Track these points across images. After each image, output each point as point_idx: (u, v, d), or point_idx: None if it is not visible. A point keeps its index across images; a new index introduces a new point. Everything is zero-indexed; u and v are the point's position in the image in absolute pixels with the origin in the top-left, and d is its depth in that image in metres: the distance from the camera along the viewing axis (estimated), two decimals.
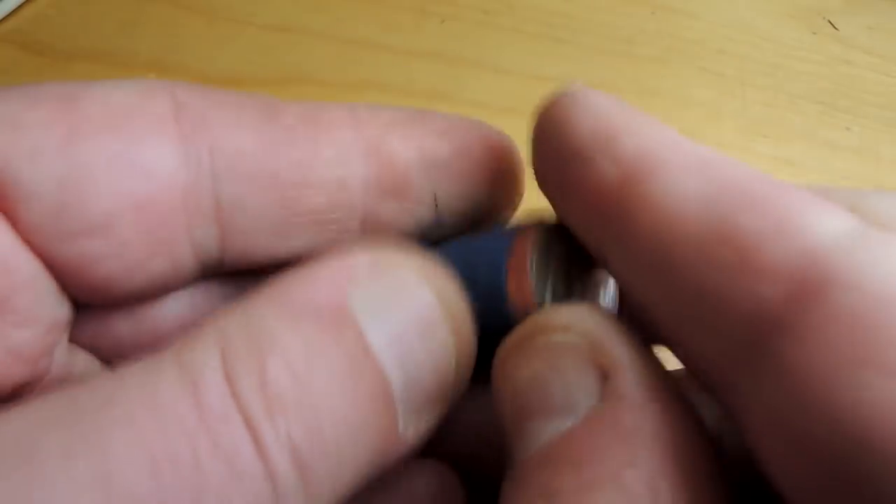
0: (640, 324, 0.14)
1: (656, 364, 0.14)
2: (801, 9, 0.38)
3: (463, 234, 0.20)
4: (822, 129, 0.35)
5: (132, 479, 0.11)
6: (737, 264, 0.12)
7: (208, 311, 0.19)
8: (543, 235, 0.18)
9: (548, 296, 0.16)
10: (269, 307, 0.13)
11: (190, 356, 0.13)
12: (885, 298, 0.10)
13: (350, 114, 0.18)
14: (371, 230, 0.18)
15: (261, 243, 0.17)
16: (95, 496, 0.11)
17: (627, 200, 0.13)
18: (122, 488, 0.11)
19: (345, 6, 0.36)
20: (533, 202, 0.29)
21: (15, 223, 0.15)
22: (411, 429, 0.14)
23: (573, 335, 0.14)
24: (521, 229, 0.18)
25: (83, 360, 0.18)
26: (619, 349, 0.13)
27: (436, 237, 0.19)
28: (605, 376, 0.13)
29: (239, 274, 0.19)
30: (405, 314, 0.14)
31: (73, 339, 0.18)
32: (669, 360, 0.15)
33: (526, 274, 0.16)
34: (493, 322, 0.17)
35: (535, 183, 0.20)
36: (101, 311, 0.18)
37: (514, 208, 0.21)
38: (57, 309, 0.16)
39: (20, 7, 0.34)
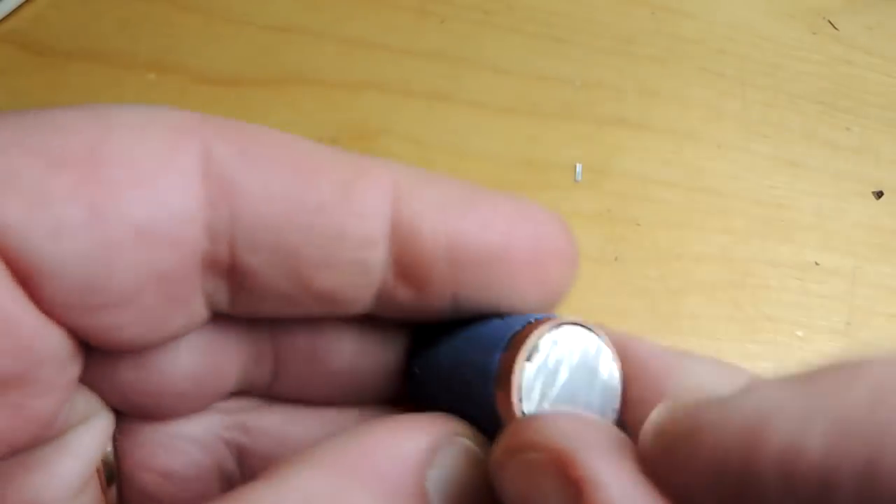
0: None
1: (632, 472, 0.13)
2: (801, 9, 0.38)
3: (474, 319, 0.18)
4: (822, 129, 0.35)
5: None
6: None
7: (212, 351, 0.20)
8: (548, 341, 0.16)
9: (537, 404, 0.16)
10: (355, 488, 0.14)
11: None
12: None
13: (392, 186, 0.17)
14: (383, 307, 0.18)
15: (271, 305, 0.17)
16: None
17: None
18: None
19: (345, 6, 0.36)
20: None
21: (38, 299, 0.15)
22: None
23: (542, 452, 0.14)
24: (520, 334, 0.17)
25: (84, 400, 0.18)
26: (586, 462, 0.13)
27: (445, 318, 0.18)
28: (579, 490, 0.13)
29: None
30: (472, 495, 0.16)
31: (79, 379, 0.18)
32: None
33: (510, 395, 0.16)
34: (490, 416, 0.17)
35: None
36: (107, 356, 0.18)
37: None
38: (74, 369, 0.16)
39: (20, 7, 0.34)
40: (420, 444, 0.16)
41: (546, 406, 0.16)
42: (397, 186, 0.17)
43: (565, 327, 0.16)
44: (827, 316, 0.31)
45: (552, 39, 0.36)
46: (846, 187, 0.34)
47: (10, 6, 0.34)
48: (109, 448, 0.20)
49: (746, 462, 0.12)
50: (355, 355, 0.20)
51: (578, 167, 0.33)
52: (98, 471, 0.19)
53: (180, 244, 0.15)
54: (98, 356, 0.17)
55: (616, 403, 0.17)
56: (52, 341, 0.15)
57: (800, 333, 0.30)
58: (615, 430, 0.14)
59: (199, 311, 0.17)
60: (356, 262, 0.17)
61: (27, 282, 0.14)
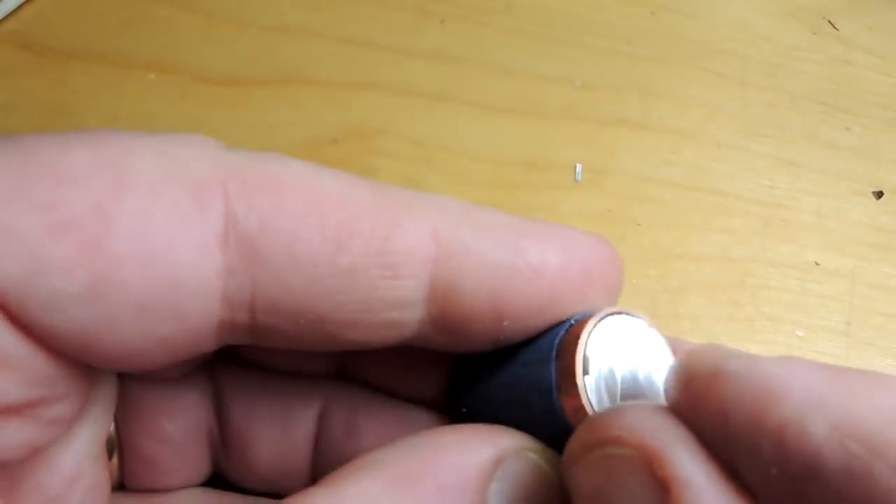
0: None
1: (717, 473, 0.13)
2: (801, 9, 0.38)
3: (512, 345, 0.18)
4: (822, 129, 0.35)
5: None
6: None
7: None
8: (597, 339, 0.16)
9: (606, 400, 0.16)
10: (411, 490, 0.14)
11: None
12: None
13: (433, 241, 0.16)
14: (418, 343, 0.17)
15: (295, 347, 0.17)
16: None
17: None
18: None
19: (345, 6, 0.36)
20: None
21: (42, 345, 0.14)
22: None
23: (627, 448, 0.13)
24: (568, 339, 0.16)
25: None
26: (675, 461, 0.13)
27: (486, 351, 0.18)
28: (665, 489, 0.13)
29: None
30: None
31: None
32: None
33: (578, 397, 0.15)
34: (558, 428, 0.16)
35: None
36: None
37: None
38: (88, 378, 0.16)
39: (20, 7, 0.34)
40: (483, 456, 0.15)
41: (616, 400, 0.16)
42: (439, 240, 0.16)
43: (609, 319, 0.16)
44: (827, 316, 0.31)
45: (552, 39, 0.36)
46: (846, 187, 0.34)
47: (10, 6, 0.34)
48: (112, 425, 0.20)
49: (753, 421, 0.12)
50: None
51: (578, 167, 0.33)
52: (105, 444, 0.19)
53: (189, 317, 0.15)
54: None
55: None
56: (63, 370, 0.15)
57: (800, 333, 0.30)
58: (685, 423, 0.14)
59: (211, 349, 0.16)
60: (389, 322, 0.16)
61: (30, 333, 0.14)
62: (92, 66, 0.33)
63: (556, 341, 0.16)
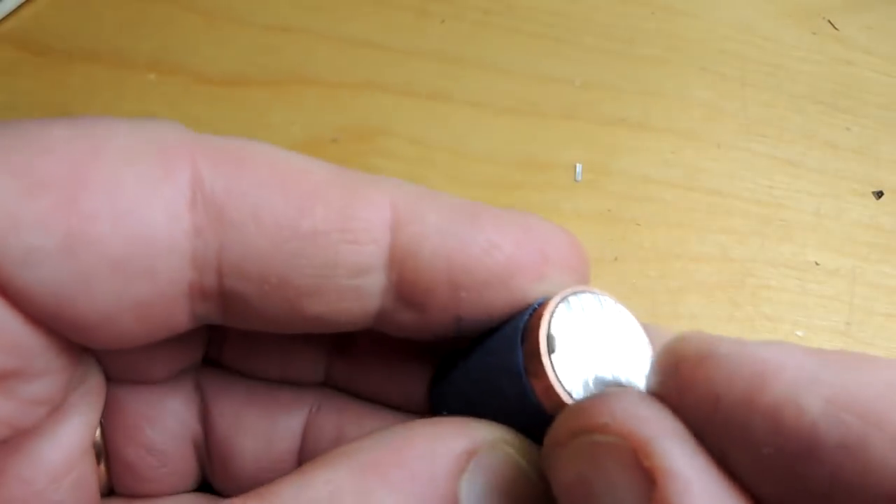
0: None
1: (706, 463, 0.13)
2: (801, 9, 0.38)
3: (483, 333, 0.18)
4: (822, 129, 0.35)
5: None
6: None
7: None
8: (561, 317, 0.16)
9: (575, 377, 0.16)
10: (381, 488, 0.14)
11: None
12: None
13: (390, 210, 0.16)
14: (384, 326, 0.17)
15: (264, 325, 0.17)
16: None
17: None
18: None
19: (345, 6, 0.36)
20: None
21: (19, 307, 0.14)
22: None
23: (614, 436, 0.13)
24: (532, 321, 0.16)
25: (79, 379, 0.18)
26: (663, 452, 0.12)
27: (451, 336, 0.18)
28: (651, 480, 0.12)
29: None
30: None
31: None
32: None
33: (546, 377, 0.15)
34: (533, 414, 0.16)
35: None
36: None
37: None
38: (68, 356, 0.16)
39: (20, 7, 0.34)
40: (456, 448, 0.15)
41: (588, 376, 0.16)
42: (396, 209, 0.16)
43: (573, 297, 0.16)
44: (827, 316, 0.31)
45: (552, 39, 0.36)
46: (846, 187, 0.34)
47: (10, 6, 0.34)
48: (98, 430, 0.20)
49: (745, 402, 0.12)
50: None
51: (578, 167, 0.33)
52: (92, 446, 0.19)
53: (160, 276, 0.15)
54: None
55: (649, 351, 0.16)
56: (39, 340, 0.15)
57: (800, 333, 0.30)
58: (669, 410, 0.13)
59: (185, 324, 0.16)
60: (351, 289, 0.16)
61: (5, 293, 0.14)
62: (92, 66, 0.33)
63: (522, 325, 0.16)
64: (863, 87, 0.36)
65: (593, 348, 0.16)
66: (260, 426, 0.21)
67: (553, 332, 0.16)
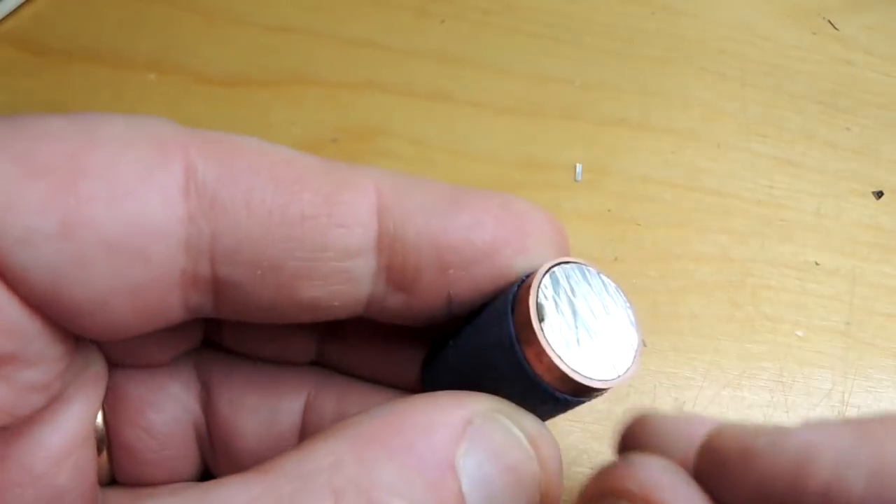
0: None
1: None
2: (801, 9, 0.38)
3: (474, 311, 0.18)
4: (821, 128, 0.35)
5: None
6: None
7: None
8: (548, 286, 0.17)
9: (565, 343, 0.16)
10: (381, 458, 0.15)
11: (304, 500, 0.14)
12: None
13: (376, 194, 0.17)
14: (375, 312, 0.18)
15: (257, 313, 0.17)
16: None
17: None
18: None
19: (345, 6, 0.36)
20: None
21: (15, 290, 0.15)
22: None
23: (637, 502, 0.14)
24: (521, 292, 0.17)
25: (80, 365, 0.18)
26: None
27: (443, 320, 0.19)
28: None
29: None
30: (502, 478, 0.16)
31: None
32: None
33: (539, 343, 0.16)
34: (524, 382, 0.17)
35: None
36: None
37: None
38: (65, 343, 0.16)
39: (20, 7, 0.34)
40: (453, 419, 0.16)
41: (576, 340, 0.16)
42: (381, 194, 0.17)
43: (558, 268, 0.17)
44: (827, 316, 0.31)
45: (552, 39, 0.36)
46: (846, 187, 0.34)
47: (10, 6, 0.34)
48: (101, 417, 0.20)
49: (794, 488, 0.13)
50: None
51: (578, 167, 0.33)
52: (94, 433, 0.19)
53: (155, 261, 0.15)
54: None
55: (630, 314, 0.17)
56: (35, 325, 0.15)
57: (800, 333, 0.30)
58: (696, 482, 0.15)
59: (179, 314, 0.17)
60: (342, 273, 0.17)
61: (2, 275, 0.14)
62: (92, 66, 0.33)
63: (511, 297, 0.17)
64: (863, 87, 0.36)
65: (579, 314, 0.17)
66: (261, 408, 0.21)
67: (541, 300, 0.16)
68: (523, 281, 0.17)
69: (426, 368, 0.20)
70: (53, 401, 0.17)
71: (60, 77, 0.33)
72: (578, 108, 0.35)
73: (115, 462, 0.21)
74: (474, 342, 0.18)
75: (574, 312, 0.17)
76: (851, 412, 0.29)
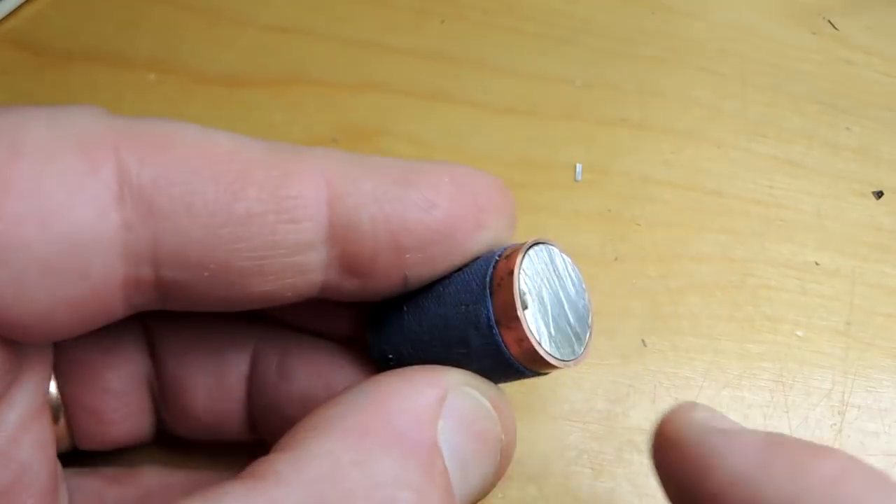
0: None
1: None
2: (801, 9, 0.38)
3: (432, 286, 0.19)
4: (821, 129, 0.35)
5: None
6: None
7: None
8: (524, 272, 0.17)
9: (542, 325, 0.17)
10: (377, 452, 0.15)
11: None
12: None
13: (324, 183, 0.16)
14: (330, 295, 0.18)
15: (207, 306, 0.17)
16: None
17: None
18: None
19: (345, 6, 0.36)
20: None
21: None
22: None
23: None
24: (499, 275, 0.18)
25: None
26: None
27: (397, 294, 0.19)
28: None
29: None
30: (473, 444, 0.17)
31: None
32: None
33: (521, 329, 0.17)
34: (496, 359, 0.18)
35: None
36: None
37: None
38: (6, 349, 0.16)
39: (20, 7, 0.34)
40: (430, 397, 0.16)
41: (549, 320, 0.18)
42: (331, 183, 0.16)
43: (530, 251, 0.18)
44: (827, 316, 0.31)
45: (552, 39, 0.36)
46: (846, 187, 0.34)
47: (10, 6, 0.34)
48: (55, 387, 0.21)
49: (693, 485, 0.15)
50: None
51: (578, 167, 0.33)
52: (47, 403, 0.19)
53: (93, 274, 0.15)
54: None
55: (586, 295, 0.19)
56: None
57: (800, 333, 0.30)
58: None
59: (122, 313, 0.16)
60: (293, 267, 0.16)
61: None
62: (92, 66, 0.33)
63: (487, 279, 0.18)
64: (863, 87, 0.36)
65: (550, 296, 0.18)
66: (208, 362, 0.21)
67: (523, 288, 0.17)
68: (498, 261, 0.18)
69: (375, 335, 0.20)
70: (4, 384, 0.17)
71: (60, 77, 0.33)
72: (578, 108, 0.35)
73: (76, 428, 0.21)
74: (440, 315, 0.18)
75: (546, 297, 0.18)
76: (851, 412, 0.29)
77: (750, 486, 0.14)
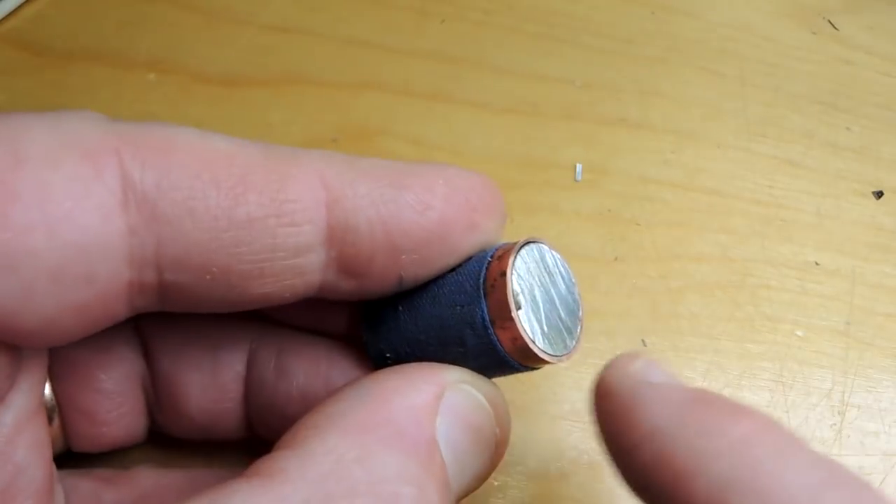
0: None
1: None
2: (801, 9, 0.38)
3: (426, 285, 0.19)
4: (821, 128, 0.35)
5: None
6: None
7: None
8: (517, 273, 0.18)
9: (535, 323, 0.18)
10: (379, 449, 0.16)
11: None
12: None
13: (322, 187, 0.17)
14: (326, 294, 0.18)
15: (207, 308, 0.17)
16: None
17: None
18: None
19: (345, 6, 0.36)
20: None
21: None
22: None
23: None
24: (493, 276, 0.18)
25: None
26: None
27: (392, 292, 0.19)
28: None
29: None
30: (469, 439, 0.18)
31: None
32: None
33: (516, 329, 0.18)
34: (491, 356, 0.18)
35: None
36: None
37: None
38: (8, 354, 0.16)
39: (20, 7, 0.34)
40: (428, 394, 0.17)
41: (541, 318, 0.18)
42: (328, 185, 0.17)
43: (522, 251, 0.18)
44: (827, 316, 0.31)
45: (552, 39, 0.36)
46: (846, 187, 0.34)
47: (10, 6, 0.34)
48: (49, 390, 0.21)
49: (617, 435, 0.16)
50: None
51: (578, 167, 0.33)
52: (43, 405, 0.19)
53: (99, 279, 0.15)
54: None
55: (576, 288, 0.20)
56: None
57: (799, 333, 0.30)
58: None
59: (124, 315, 0.17)
60: (292, 269, 0.17)
61: None
62: (92, 66, 0.33)
63: (481, 280, 0.18)
64: (863, 87, 0.36)
65: (542, 294, 0.19)
66: (202, 360, 0.21)
67: (516, 289, 0.18)
68: (489, 261, 0.18)
69: (371, 334, 0.21)
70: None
71: (60, 77, 0.33)
72: (578, 108, 0.35)
73: (70, 429, 0.21)
74: (435, 315, 0.19)
75: (538, 295, 0.18)
76: (851, 412, 0.29)
77: (664, 440, 0.15)
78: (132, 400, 0.22)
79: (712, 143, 0.34)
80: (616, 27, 0.37)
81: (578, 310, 0.20)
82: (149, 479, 0.21)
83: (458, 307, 0.18)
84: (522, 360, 0.18)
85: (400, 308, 0.20)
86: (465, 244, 0.18)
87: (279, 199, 0.16)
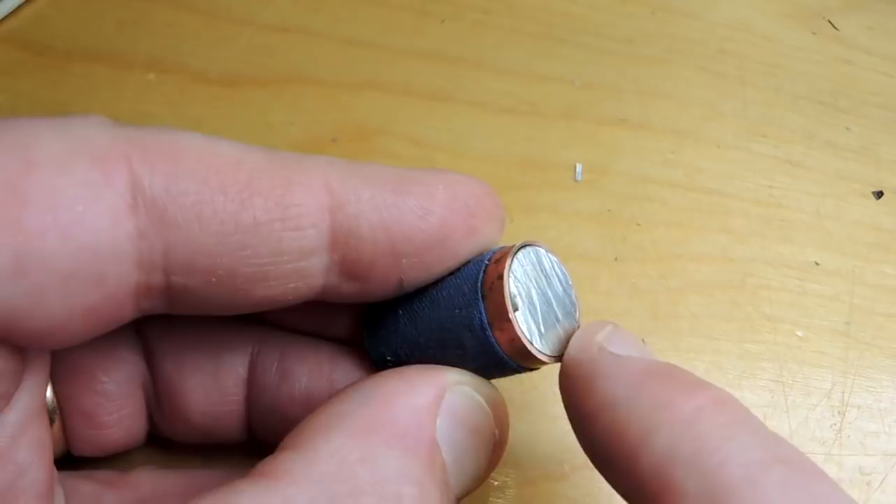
0: None
1: None
2: (801, 9, 0.38)
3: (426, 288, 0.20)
4: (821, 129, 0.35)
5: None
6: None
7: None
8: (514, 275, 0.18)
9: (532, 324, 0.18)
10: (382, 450, 0.16)
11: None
12: None
13: (326, 192, 0.17)
14: (328, 297, 0.19)
15: (212, 310, 0.18)
16: None
17: None
18: None
19: (345, 6, 0.36)
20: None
21: None
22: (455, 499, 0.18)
23: None
24: (490, 279, 0.18)
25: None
26: None
27: (392, 296, 0.20)
28: None
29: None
30: (469, 439, 0.18)
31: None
32: None
33: (513, 330, 0.18)
34: (489, 358, 0.19)
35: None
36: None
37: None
38: (16, 356, 0.16)
39: (20, 7, 0.34)
40: (429, 396, 0.17)
41: (538, 319, 0.19)
42: (331, 191, 0.17)
43: (519, 253, 0.19)
44: (827, 316, 0.31)
45: (552, 39, 0.36)
46: (846, 187, 0.34)
47: (10, 6, 0.34)
48: (50, 392, 0.21)
49: (573, 404, 0.17)
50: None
51: (578, 167, 0.33)
52: (45, 406, 0.19)
53: (109, 281, 0.15)
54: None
55: (573, 290, 0.20)
56: None
57: (799, 333, 0.30)
58: None
59: (130, 317, 0.17)
60: (296, 272, 0.17)
61: None
62: (92, 66, 0.33)
63: (479, 283, 0.18)
64: (863, 87, 0.36)
65: (539, 296, 0.19)
66: (204, 364, 0.22)
67: (513, 291, 0.18)
68: (488, 265, 0.19)
69: (372, 338, 0.21)
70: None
71: (60, 77, 0.33)
72: (578, 108, 0.35)
73: (71, 431, 0.21)
74: (434, 318, 0.19)
75: (535, 297, 0.19)
76: (851, 412, 0.29)
77: (617, 411, 0.15)
78: (133, 402, 0.22)
79: (712, 143, 0.34)
80: (616, 27, 0.37)
81: (575, 311, 0.20)
82: (149, 481, 0.22)
83: (457, 310, 0.19)
84: (520, 360, 0.19)
85: (400, 311, 0.20)
86: (465, 249, 0.19)
87: (284, 204, 0.16)
